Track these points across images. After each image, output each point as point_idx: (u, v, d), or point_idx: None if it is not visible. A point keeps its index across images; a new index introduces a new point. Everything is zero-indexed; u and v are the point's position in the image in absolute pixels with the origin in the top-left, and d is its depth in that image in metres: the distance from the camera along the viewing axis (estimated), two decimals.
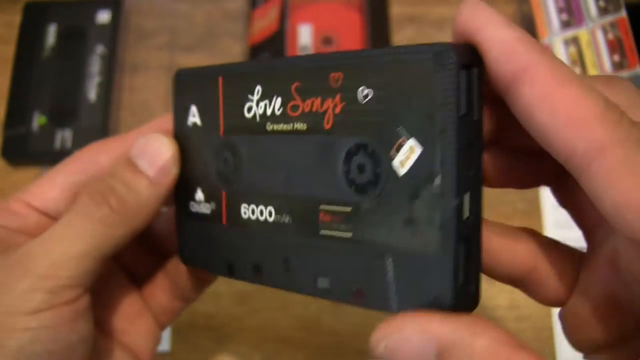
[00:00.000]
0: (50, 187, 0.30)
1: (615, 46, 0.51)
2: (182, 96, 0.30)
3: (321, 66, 0.24)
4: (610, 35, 0.51)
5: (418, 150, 0.21)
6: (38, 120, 0.55)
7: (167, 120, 0.31)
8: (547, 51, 0.20)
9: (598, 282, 0.23)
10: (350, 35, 0.56)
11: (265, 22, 0.58)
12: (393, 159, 0.22)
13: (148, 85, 0.58)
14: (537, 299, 0.25)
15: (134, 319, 0.32)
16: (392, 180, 0.22)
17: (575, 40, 0.53)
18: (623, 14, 0.50)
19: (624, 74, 0.50)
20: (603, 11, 0.52)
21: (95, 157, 0.30)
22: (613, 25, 0.51)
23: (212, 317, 0.49)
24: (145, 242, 0.34)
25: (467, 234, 0.21)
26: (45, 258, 0.25)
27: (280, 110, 0.26)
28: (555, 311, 0.48)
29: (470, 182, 0.21)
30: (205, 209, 0.29)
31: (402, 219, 0.22)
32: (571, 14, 0.53)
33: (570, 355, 0.47)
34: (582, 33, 0.53)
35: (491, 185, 0.25)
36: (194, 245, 0.30)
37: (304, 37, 0.57)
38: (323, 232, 0.24)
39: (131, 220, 0.27)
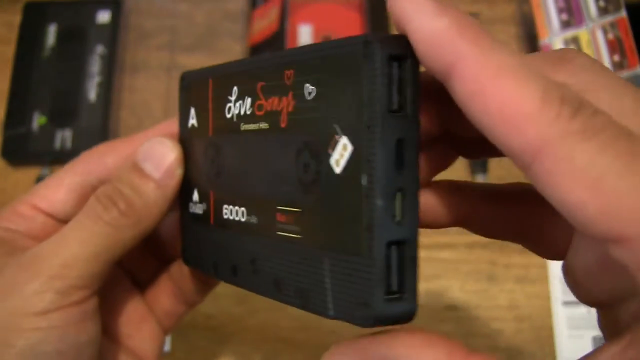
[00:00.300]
0: (57, 189, 0.30)
1: (615, 46, 0.51)
2: (185, 99, 0.30)
3: (278, 64, 0.23)
4: (610, 35, 0.51)
5: (350, 148, 0.20)
6: (38, 120, 0.55)
7: (172, 124, 0.31)
8: (481, 38, 0.18)
9: (586, 244, 0.22)
10: (350, 35, 0.56)
11: (265, 22, 0.58)
12: (330, 157, 0.21)
13: (148, 85, 0.58)
14: (537, 253, 0.25)
15: (139, 323, 0.32)
16: (331, 179, 0.21)
17: (575, 40, 0.53)
18: (623, 14, 0.50)
19: (624, 74, 0.50)
20: (603, 11, 0.52)
21: (102, 159, 0.30)
22: (613, 25, 0.51)
23: (212, 317, 0.49)
24: (149, 246, 0.34)
25: (400, 238, 0.19)
26: (55, 259, 0.26)
27: (250, 110, 0.25)
28: (555, 311, 0.48)
29: (403, 182, 0.19)
30: (199, 209, 0.29)
31: (338, 220, 0.21)
32: (571, 14, 0.53)
33: (570, 355, 0.47)
34: (582, 33, 0.53)
35: (472, 158, 0.24)
36: (192, 246, 0.30)
37: (304, 37, 0.57)
38: (279, 233, 0.24)
39: (139, 222, 0.28)
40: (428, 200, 0.25)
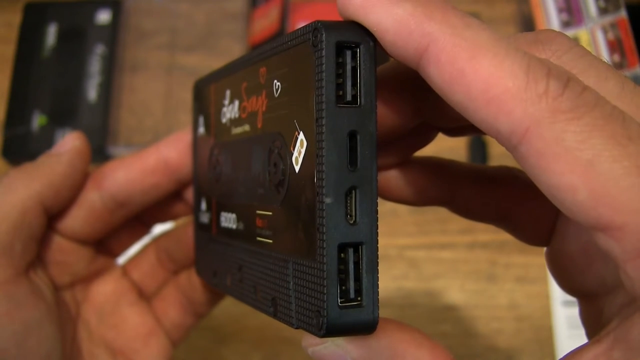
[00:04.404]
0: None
1: (615, 46, 0.51)
2: (196, 107, 0.30)
3: (255, 62, 0.22)
4: (610, 35, 0.51)
5: (305, 144, 0.19)
6: (38, 120, 0.55)
7: (181, 135, 0.31)
8: (450, 16, 0.17)
9: (572, 231, 0.22)
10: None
11: (265, 22, 0.58)
12: (292, 155, 0.20)
13: (148, 85, 0.58)
14: (518, 238, 0.25)
15: (146, 338, 0.32)
16: (293, 179, 0.20)
17: (575, 40, 0.53)
18: (623, 14, 0.51)
19: (624, 74, 0.50)
20: (603, 11, 0.52)
21: (113, 175, 0.30)
22: (613, 25, 0.51)
23: (212, 317, 0.49)
24: (159, 256, 0.33)
25: (355, 240, 0.18)
26: None
27: (238, 113, 0.24)
28: (555, 311, 0.48)
29: (357, 179, 0.18)
30: (206, 218, 0.28)
31: (298, 222, 0.19)
32: (571, 14, 0.54)
33: None
34: (582, 33, 0.53)
35: (453, 136, 0.24)
36: (200, 256, 0.30)
37: None
38: (258, 238, 0.22)
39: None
40: (407, 177, 0.24)
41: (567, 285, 0.23)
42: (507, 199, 0.24)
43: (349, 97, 0.18)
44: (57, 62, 0.56)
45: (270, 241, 0.21)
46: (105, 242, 0.32)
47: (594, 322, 0.21)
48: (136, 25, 0.60)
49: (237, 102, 0.24)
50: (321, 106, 0.18)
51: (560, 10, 0.54)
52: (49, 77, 0.56)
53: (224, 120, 0.26)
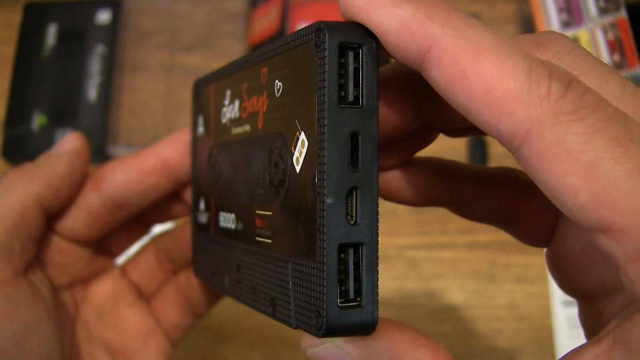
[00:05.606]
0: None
1: (615, 46, 0.51)
2: (195, 107, 0.30)
3: (256, 62, 0.22)
4: (610, 35, 0.51)
5: (306, 145, 0.19)
6: (38, 120, 0.55)
7: (181, 135, 0.31)
8: (453, 18, 0.17)
9: (573, 232, 0.22)
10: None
11: (265, 22, 0.58)
12: (293, 155, 0.20)
13: (148, 85, 0.58)
14: (520, 240, 0.25)
15: (146, 337, 0.32)
16: (293, 179, 0.20)
17: (575, 41, 0.53)
18: (623, 14, 0.51)
19: (624, 74, 0.50)
20: (603, 11, 0.52)
21: (112, 176, 0.30)
22: (613, 25, 0.51)
23: (212, 317, 0.49)
24: (158, 256, 0.33)
25: (356, 241, 0.18)
26: None
27: (238, 113, 0.24)
28: (555, 311, 0.48)
29: (358, 180, 0.18)
30: (204, 218, 0.28)
31: (298, 222, 0.19)
32: (571, 14, 0.54)
33: None
34: (582, 33, 0.53)
35: (454, 137, 0.24)
36: (198, 256, 0.30)
37: None
38: (258, 238, 0.22)
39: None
40: (408, 178, 0.24)
41: (567, 286, 0.23)
42: (507, 199, 0.24)
43: (351, 98, 0.18)
44: (57, 62, 0.56)
45: (270, 241, 0.21)
46: (104, 243, 0.32)
47: (594, 323, 0.21)
48: (136, 25, 0.60)
49: (237, 102, 0.24)
50: (323, 106, 0.18)
51: (560, 10, 0.54)
52: (49, 77, 0.56)
53: (224, 120, 0.26)
